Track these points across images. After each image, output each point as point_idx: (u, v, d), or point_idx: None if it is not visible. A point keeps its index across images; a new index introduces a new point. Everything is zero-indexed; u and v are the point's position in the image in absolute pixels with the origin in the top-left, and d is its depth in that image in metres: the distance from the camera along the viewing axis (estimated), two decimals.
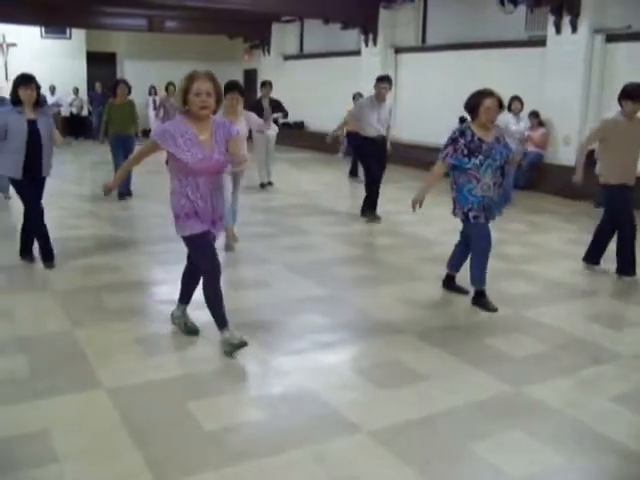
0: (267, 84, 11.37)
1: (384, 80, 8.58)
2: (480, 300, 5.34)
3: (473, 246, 5.31)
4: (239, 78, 22.52)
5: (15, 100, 5.82)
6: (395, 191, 10.40)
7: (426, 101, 14.86)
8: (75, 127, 19.56)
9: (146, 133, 13.67)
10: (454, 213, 5.33)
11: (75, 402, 3.65)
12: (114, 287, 5.72)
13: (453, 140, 5.11)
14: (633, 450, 3.28)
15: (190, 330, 4.58)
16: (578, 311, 5.45)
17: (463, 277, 5.61)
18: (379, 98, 8.56)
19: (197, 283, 4.46)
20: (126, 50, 21.23)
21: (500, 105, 5.08)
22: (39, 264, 6.17)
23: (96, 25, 18.81)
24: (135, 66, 20.85)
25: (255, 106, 10.15)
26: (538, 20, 12.04)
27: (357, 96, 13.28)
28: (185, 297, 4.60)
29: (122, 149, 9.62)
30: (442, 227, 8.04)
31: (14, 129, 5.76)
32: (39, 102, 5.99)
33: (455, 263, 5.65)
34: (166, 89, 13.64)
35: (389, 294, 5.67)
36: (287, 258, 6.71)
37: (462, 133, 5.10)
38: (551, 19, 11.35)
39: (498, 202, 5.26)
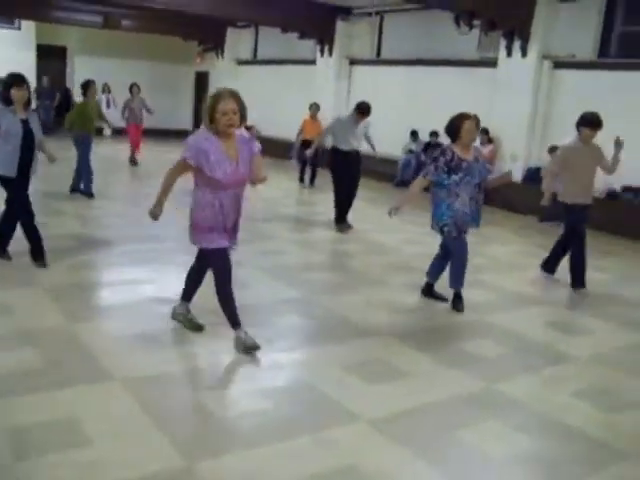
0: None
1: (366, 111, 8.91)
2: (457, 300, 5.88)
3: (452, 256, 5.81)
4: (190, 80, 22.76)
5: (6, 100, 5.91)
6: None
7: (379, 113, 15.29)
8: None
9: (99, 132, 13.76)
10: (432, 227, 5.80)
11: (93, 392, 3.93)
12: (100, 285, 5.99)
13: (434, 159, 5.61)
14: (593, 437, 3.82)
15: (195, 326, 4.86)
16: (535, 317, 6.02)
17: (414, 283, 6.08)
18: (357, 122, 8.97)
19: (201, 282, 4.80)
20: (77, 45, 21.02)
21: (477, 126, 5.59)
22: (20, 260, 6.28)
23: (48, 18, 18.50)
24: (86, 62, 20.57)
25: None
26: (490, 42, 12.71)
27: (313, 106, 13.68)
28: (189, 295, 4.90)
29: (87, 147, 9.90)
30: (401, 237, 8.60)
31: (9, 129, 5.90)
32: (29, 102, 6.12)
33: (434, 273, 6.13)
34: (130, 90, 13.77)
35: (361, 299, 6.10)
36: (260, 262, 7.07)
37: (443, 152, 5.59)
38: (503, 42, 12.05)
39: (472, 216, 5.74)
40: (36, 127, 6.13)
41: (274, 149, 10.28)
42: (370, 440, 3.60)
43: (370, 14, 15.72)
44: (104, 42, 20.41)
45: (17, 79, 5.94)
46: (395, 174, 14.15)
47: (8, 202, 6.20)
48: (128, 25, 19.02)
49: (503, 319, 5.83)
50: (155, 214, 4.49)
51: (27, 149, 6.01)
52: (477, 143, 11.04)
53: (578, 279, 6.81)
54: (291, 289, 6.25)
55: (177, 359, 4.51)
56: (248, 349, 4.50)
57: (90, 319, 5.13)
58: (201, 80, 22.41)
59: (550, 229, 10.28)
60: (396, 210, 5.72)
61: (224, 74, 20.55)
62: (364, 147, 9.31)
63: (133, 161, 14.08)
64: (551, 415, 4.06)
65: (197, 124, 22.82)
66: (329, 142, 9.61)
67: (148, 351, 4.56)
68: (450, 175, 5.53)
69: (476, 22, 11.72)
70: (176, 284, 5.18)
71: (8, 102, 5.93)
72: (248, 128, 4.76)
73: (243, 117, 4.28)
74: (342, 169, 9.13)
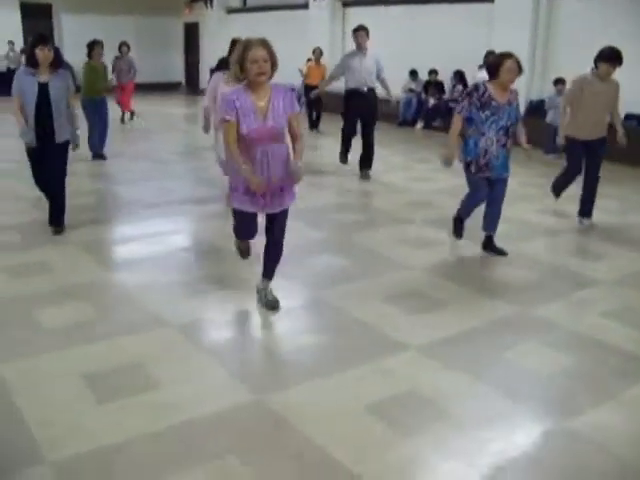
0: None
1: (360, 29, 8.68)
2: (489, 243, 5.90)
3: (469, 192, 5.81)
4: (180, 32, 22.49)
5: (31, 61, 5.73)
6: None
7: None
8: (11, 83, 19.03)
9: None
10: (459, 159, 5.78)
11: (151, 338, 4.12)
12: (128, 238, 6.15)
13: (468, 94, 5.56)
14: (627, 351, 4.05)
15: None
16: (555, 245, 6.26)
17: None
18: (360, 48, 8.69)
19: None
20: (62, 2, 20.66)
21: (519, 68, 5.49)
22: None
23: None
24: (72, 20, 20.29)
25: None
26: None
27: (317, 50, 13.62)
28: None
29: (97, 113, 9.83)
30: (410, 175, 8.87)
31: (26, 92, 5.74)
32: (57, 63, 5.87)
33: (465, 212, 6.01)
34: (119, 49, 13.51)
35: (389, 235, 6.28)
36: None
37: (477, 88, 5.52)
38: None
39: (499, 163, 5.63)
40: (59, 90, 5.83)
41: None
42: (422, 366, 3.81)
43: None
44: None
45: (40, 38, 5.74)
46: (397, 114, 14.21)
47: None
48: None
49: (525, 248, 6.03)
50: (259, 185, 4.07)
51: (44, 116, 5.78)
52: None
53: (587, 210, 6.92)
54: (319, 230, 6.43)
55: (219, 304, 4.67)
56: (268, 304, 4.53)
57: (127, 269, 5.30)
58: (191, 31, 22.18)
59: (554, 161, 10.44)
60: (450, 160, 5.63)
61: (214, 24, 20.35)
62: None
63: (126, 119, 13.93)
64: (585, 334, 4.28)
65: (189, 76, 22.71)
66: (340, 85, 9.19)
67: (191, 297, 4.73)
68: (479, 112, 5.51)
69: None
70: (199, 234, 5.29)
71: (34, 63, 5.74)
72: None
73: (274, 65, 4.07)
74: (355, 110, 8.84)
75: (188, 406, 3.32)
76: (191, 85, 22.43)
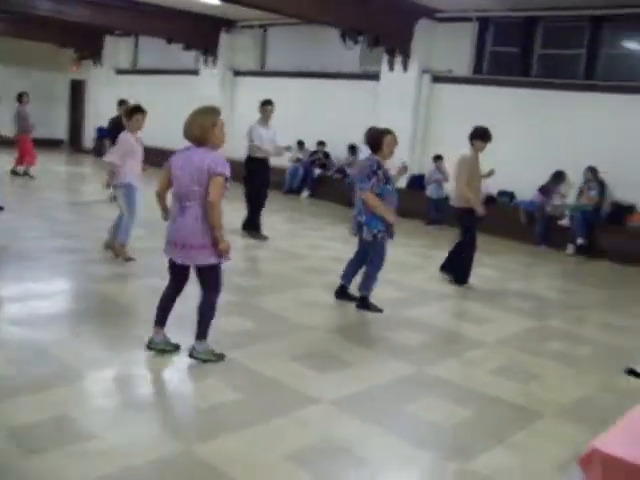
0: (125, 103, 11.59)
1: (268, 103, 9.43)
2: (366, 304, 6.40)
3: (372, 261, 6.30)
4: (66, 88, 22.27)
5: None
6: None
7: None
8: None
9: None
10: (355, 234, 6.28)
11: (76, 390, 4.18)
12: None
13: (374, 172, 6.03)
14: (514, 403, 4.56)
15: (176, 347, 4.89)
16: (444, 310, 6.81)
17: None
18: (266, 120, 9.40)
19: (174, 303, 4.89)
20: None
21: (395, 141, 6.17)
22: None
23: None
24: None
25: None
26: (372, 56, 13.56)
27: None
28: (164, 319, 4.84)
29: None
30: (304, 242, 9.38)
31: None
32: None
33: (349, 276, 6.62)
34: (19, 99, 13.52)
35: (289, 299, 6.61)
36: None
37: (378, 165, 6.05)
38: (385, 57, 12.92)
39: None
40: None
41: (155, 158, 9.95)
42: (335, 418, 4.12)
43: (253, 27, 16.23)
44: None
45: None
46: (283, 182, 14.72)
47: None
48: (1, 29, 18.32)
49: (418, 312, 6.53)
50: (226, 249, 4.57)
51: None
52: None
53: (465, 276, 7.59)
54: (225, 293, 6.60)
55: (141, 361, 4.80)
56: (218, 358, 4.79)
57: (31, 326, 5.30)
58: (77, 88, 22.00)
59: (435, 232, 11.25)
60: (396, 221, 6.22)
61: (102, 83, 20.35)
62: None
63: (27, 174, 13.73)
64: (477, 389, 4.75)
65: (73, 133, 22.38)
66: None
67: (110, 351, 4.83)
68: (386, 185, 6.07)
69: (360, 38, 12.51)
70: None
71: None
72: None
73: None
74: (258, 178, 9.43)
75: (120, 456, 3.44)
76: (74, 143, 22.07)
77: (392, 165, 6.51)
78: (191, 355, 4.73)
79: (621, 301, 7.95)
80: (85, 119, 21.62)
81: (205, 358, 4.72)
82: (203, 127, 4.39)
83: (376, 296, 6.57)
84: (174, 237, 4.55)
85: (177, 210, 4.54)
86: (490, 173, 7.85)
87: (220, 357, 4.80)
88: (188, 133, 4.47)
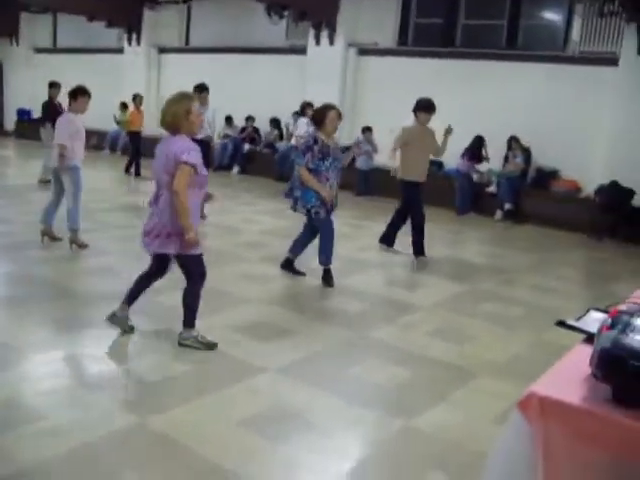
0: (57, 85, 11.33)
1: (204, 89, 9.55)
2: (328, 275, 6.46)
3: (322, 235, 6.38)
4: None
5: None
6: None
7: None
8: None
9: None
10: (294, 209, 6.36)
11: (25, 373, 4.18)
12: None
13: (308, 147, 6.09)
14: (450, 363, 4.79)
15: (132, 328, 4.90)
16: (377, 278, 7.00)
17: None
18: (203, 104, 9.27)
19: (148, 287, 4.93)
20: None
21: (339, 117, 6.21)
22: None
23: None
24: None
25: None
26: (299, 31, 13.60)
27: (137, 97, 13.77)
28: (133, 299, 4.87)
29: None
30: (238, 217, 9.47)
31: None
32: None
33: (297, 250, 6.67)
34: None
35: (229, 272, 6.68)
36: (124, 247, 7.37)
37: (315, 140, 6.09)
38: (312, 32, 12.98)
39: (337, 200, 6.40)
40: None
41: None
42: (283, 385, 4.26)
43: (177, 2, 16.00)
44: None
45: None
46: (212, 159, 14.65)
47: None
48: None
49: (353, 281, 6.71)
50: (194, 240, 4.48)
51: None
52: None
53: (420, 249, 7.70)
54: None
55: (90, 339, 4.82)
56: (208, 346, 4.73)
57: None
58: None
59: (365, 202, 11.46)
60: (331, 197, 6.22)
61: (20, 63, 19.72)
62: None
63: None
64: (416, 351, 4.97)
65: None
66: None
67: (60, 334, 4.83)
68: (323, 161, 6.09)
69: (286, 13, 12.53)
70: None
71: None
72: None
73: None
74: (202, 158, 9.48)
75: (74, 434, 3.48)
76: None
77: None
78: (179, 343, 4.76)
79: (548, 264, 8.34)
80: (4, 100, 20.91)
81: (193, 345, 4.73)
82: (176, 115, 4.37)
83: (310, 266, 6.72)
84: (148, 225, 4.56)
85: (153, 198, 4.58)
86: (448, 131, 7.55)
87: (210, 346, 4.74)
88: (162, 121, 4.46)
